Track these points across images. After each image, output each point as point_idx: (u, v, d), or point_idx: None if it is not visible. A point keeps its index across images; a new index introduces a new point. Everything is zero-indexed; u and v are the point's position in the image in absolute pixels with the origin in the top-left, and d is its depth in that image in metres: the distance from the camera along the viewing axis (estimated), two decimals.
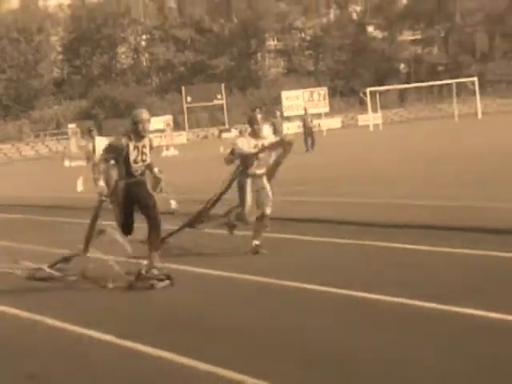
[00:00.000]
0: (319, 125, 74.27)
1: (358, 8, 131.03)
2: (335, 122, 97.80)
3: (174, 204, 24.96)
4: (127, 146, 13.32)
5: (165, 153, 68.93)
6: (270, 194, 15.95)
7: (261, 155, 15.58)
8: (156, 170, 14.63)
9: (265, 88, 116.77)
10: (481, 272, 13.30)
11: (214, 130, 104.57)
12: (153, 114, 73.95)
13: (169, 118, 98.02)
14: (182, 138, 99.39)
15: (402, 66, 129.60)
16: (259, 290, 13.16)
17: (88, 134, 33.00)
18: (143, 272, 13.63)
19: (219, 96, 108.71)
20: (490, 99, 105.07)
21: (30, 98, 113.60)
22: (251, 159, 15.67)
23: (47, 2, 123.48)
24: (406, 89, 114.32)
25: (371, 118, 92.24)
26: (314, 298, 12.43)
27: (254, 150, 15.49)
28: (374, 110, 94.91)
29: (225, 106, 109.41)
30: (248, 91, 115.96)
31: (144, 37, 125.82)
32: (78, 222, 23.74)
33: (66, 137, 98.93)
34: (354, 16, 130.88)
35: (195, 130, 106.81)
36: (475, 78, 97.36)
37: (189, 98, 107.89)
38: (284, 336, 10.23)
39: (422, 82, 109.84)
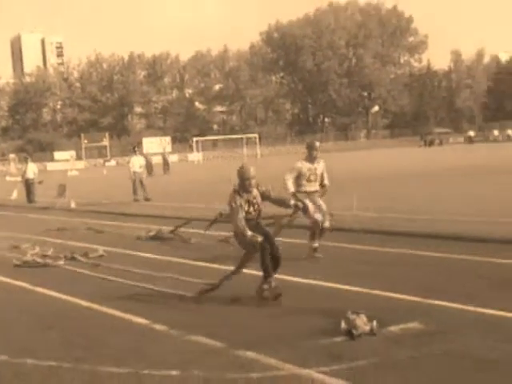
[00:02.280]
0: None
1: (190, 90, 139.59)
2: (175, 158, 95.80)
3: (72, 204, 27.74)
4: (240, 205, 10.12)
5: (70, 173, 71.25)
6: (324, 207, 13.22)
7: (312, 176, 13.08)
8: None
9: (133, 136, 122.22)
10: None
11: (100, 161, 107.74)
12: (62, 150, 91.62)
13: (73, 152, 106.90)
14: (81, 164, 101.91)
15: (215, 126, 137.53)
16: None
17: (24, 160, 36.64)
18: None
19: (104, 140, 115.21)
20: (265, 147, 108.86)
21: None
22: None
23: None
24: (217, 139, 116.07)
25: (196, 156, 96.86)
26: None
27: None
28: (197, 151, 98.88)
29: (108, 146, 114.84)
30: (122, 138, 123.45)
31: (59, 103, 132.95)
32: (7, 215, 27.38)
33: (7, 161, 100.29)
34: (187, 95, 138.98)
35: (89, 160, 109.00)
36: (256, 135, 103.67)
37: (85, 141, 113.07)
38: None
39: (229, 134, 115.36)
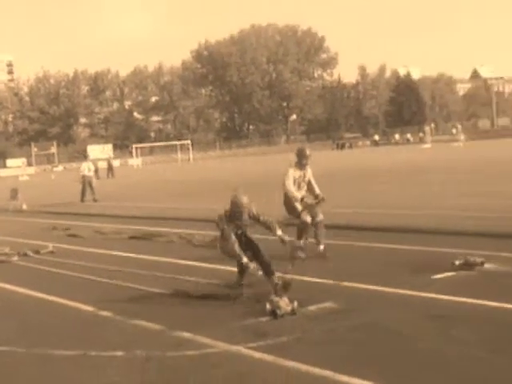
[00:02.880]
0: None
1: (129, 102, 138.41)
2: (117, 163, 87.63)
3: (24, 206, 27.50)
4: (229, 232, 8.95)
5: (21, 178, 70.65)
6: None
7: (302, 183, 11.88)
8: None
9: (78, 144, 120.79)
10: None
11: (49, 166, 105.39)
12: (14, 157, 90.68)
13: (24, 159, 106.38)
14: (31, 170, 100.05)
15: (152, 134, 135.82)
16: None
17: None
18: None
19: (52, 148, 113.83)
20: (197, 152, 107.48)
21: None
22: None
23: None
24: (154, 146, 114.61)
25: (135, 161, 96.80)
26: None
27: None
28: (137, 157, 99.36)
29: (55, 153, 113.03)
30: (69, 145, 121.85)
31: (11, 115, 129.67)
32: None
33: None
34: (127, 107, 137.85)
35: (39, 166, 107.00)
36: (189, 141, 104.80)
37: (35, 149, 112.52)
38: None
39: (165, 141, 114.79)
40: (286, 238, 9.52)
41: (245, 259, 8.98)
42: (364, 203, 19.13)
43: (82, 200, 29.73)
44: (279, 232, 9.48)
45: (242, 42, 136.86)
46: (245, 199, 9.28)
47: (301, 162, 12.02)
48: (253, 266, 9.01)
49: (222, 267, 10.89)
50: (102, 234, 17.22)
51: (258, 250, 9.22)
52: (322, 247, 11.46)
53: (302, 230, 11.58)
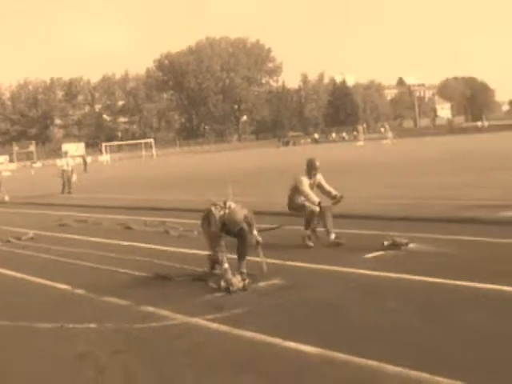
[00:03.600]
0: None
1: (99, 106, 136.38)
2: (88, 159, 72.94)
3: (7, 198, 26.49)
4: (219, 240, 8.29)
5: (3, 174, 62.25)
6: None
7: (312, 190, 11.06)
8: None
9: (54, 143, 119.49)
10: None
11: (28, 163, 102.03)
12: None
13: (6, 157, 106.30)
14: (13, 166, 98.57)
15: (120, 133, 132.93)
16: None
17: None
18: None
19: (31, 146, 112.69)
20: (159, 149, 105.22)
21: None
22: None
23: None
24: (121, 144, 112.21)
25: (105, 158, 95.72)
26: None
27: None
28: (106, 154, 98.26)
29: (34, 151, 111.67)
30: (46, 144, 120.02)
31: None
32: None
33: None
34: (97, 110, 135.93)
35: (20, 162, 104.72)
36: (152, 140, 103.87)
37: (16, 148, 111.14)
38: None
39: (131, 139, 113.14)
40: (260, 239, 8.99)
41: (226, 265, 8.17)
42: None
43: (63, 192, 29.24)
44: (255, 232, 9.00)
45: (199, 52, 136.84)
46: (238, 214, 8.42)
47: (310, 172, 11.21)
48: (226, 266, 8.18)
49: (187, 251, 10.93)
50: (81, 223, 16.84)
51: (244, 239, 8.63)
52: (333, 236, 10.73)
53: (309, 220, 10.91)
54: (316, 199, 10.89)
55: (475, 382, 4.73)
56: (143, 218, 16.20)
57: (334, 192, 11.27)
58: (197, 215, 12.63)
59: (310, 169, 11.23)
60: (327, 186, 11.38)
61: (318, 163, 11.28)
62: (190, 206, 17.55)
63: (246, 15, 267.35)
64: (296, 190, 11.17)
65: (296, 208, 11.29)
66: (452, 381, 4.73)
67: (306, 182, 11.06)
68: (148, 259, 10.51)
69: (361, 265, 8.88)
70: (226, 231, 8.52)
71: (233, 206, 8.57)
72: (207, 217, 8.60)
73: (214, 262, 8.80)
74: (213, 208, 8.57)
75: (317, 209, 10.79)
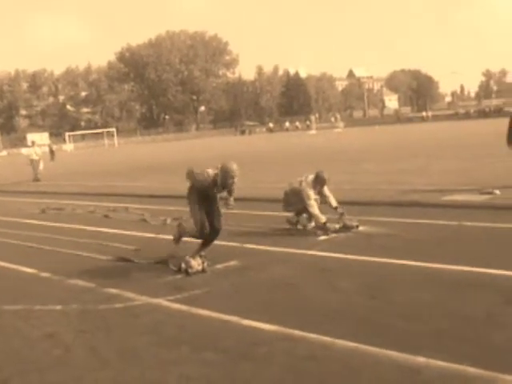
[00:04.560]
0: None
1: (63, 97, 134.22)
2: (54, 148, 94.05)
3: None
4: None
5: None
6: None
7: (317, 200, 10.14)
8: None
9: (19, 132, 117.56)
10: None
11: None
12: None
13: None
14: None
15: (83, 123, 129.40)
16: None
17: None
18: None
19: None
20: (121, 138, 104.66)
21: None
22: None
23: None
24: (84, 134, 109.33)
25: (69, 147, 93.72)
26: None
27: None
28: (70, 143, 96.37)
29: (0, 141, 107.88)
30: (11, 134, 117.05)
31: None
32: None
33: None
34: (61, 100, 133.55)
35: None
36: (114, 129, 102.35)
37: None
38: None
39: (94, 129, 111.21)
40: (232, 202, 8.48)
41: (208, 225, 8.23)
42: (260, 180, 19.16)
43: (35, 179, 28.62)
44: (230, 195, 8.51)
45: (159, 45, 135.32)
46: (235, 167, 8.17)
47: (315, 186, 10.30)
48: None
49: (148, 235, 10.94)
50: (49, 209, 16.51)
51: (218, 217, 8.47)
52: (356, 224, 10.12)
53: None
54: (324, 219, 10.01)
55: (418, 352, 4.83)
56: (111, 205, 16.08)
57: (334, 204, 10.44)
58: (159, 201, 12.55)
59: (317, 183, 10.31)
60: (330, 197, 10.51)
61: (326, 177, 10.40)
62: (150, 192, 17.68)
63: (204, 9, 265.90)
64: (298, 197, 10.34)
65: (296, 210, 10.62)
66: (399, 353, 4.84)
67: (312, 196, 10.21)
68: (111, 243, 10.47)
69: (314, 247, 8.97)
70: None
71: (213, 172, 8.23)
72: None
73: (181, 234, 8.77)
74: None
75: (323, 220, 9.97)
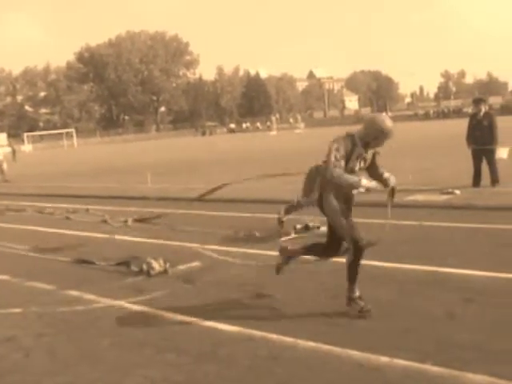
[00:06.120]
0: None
1: (21, 97, 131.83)
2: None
3: None
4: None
5: None
6: None
7: None
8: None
9: None
10: None
11: None
12: None
13: None
14: None
15: (42, 123, 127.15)
16: None
17: None
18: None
19: None
20: (80, 139, 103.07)
21: None
22: None
23: None
24: (43, 134, 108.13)
25: (27, 147, 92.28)
26: None
27: None
28: (28, 144, 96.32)
29: None
30: None
31: None
32: None
33: None
34: (19, 101, 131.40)
35: None
36: (73, 130, 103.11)
37: None
38: None
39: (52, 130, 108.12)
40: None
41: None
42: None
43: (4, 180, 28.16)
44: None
45: (119, 45, 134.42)
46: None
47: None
48: None
49: (110, 236, 10.62)
50: (10, 211, 16.35)
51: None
52: (317, 225, 9.97)
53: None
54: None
55: (381, 351, 4.84)
56: (72, 206, 15.89)
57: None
58: (118, 202, 12.46)
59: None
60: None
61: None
62: (110, 193, 17.54)
63: (165, 9, 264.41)
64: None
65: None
66: (362, 353, 4.85)
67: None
68: (72, 245, 10.37)
69: (276, 247, 8.87)
70: None
71: None
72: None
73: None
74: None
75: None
